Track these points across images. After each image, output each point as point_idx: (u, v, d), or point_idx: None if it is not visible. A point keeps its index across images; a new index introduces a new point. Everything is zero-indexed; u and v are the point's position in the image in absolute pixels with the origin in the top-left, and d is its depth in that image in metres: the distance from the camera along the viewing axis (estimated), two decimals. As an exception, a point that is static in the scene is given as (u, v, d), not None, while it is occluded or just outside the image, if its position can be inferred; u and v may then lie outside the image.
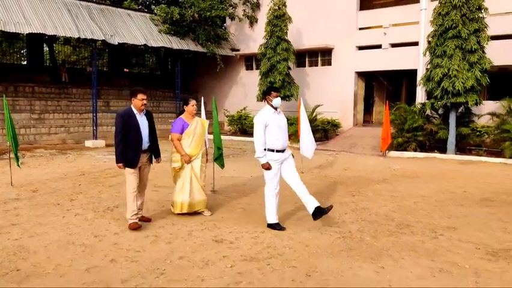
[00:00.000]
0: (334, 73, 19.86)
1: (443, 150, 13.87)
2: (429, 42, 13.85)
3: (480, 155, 13.28)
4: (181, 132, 6.25)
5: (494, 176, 10.34)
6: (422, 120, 14.46)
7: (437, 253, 4.96)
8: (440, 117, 14.51)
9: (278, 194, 5.86)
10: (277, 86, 17.68)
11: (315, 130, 16.98)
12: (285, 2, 18.13)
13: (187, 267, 4.51)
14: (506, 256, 4.90)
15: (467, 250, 5.08)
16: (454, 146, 13.63)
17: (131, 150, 5.66)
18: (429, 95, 13.98)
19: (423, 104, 14.35)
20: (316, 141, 16.62)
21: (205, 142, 6.67)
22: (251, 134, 19.65)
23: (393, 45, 18.25)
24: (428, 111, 14.50)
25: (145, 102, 5.74)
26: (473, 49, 12.65)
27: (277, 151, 5.78)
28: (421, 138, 14.36)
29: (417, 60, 16.41)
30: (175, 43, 19.41)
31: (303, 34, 20.09)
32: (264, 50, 18.42)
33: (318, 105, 17.88)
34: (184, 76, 20.92)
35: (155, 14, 20.05)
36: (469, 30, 12.68)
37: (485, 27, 13.00)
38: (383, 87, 22.24)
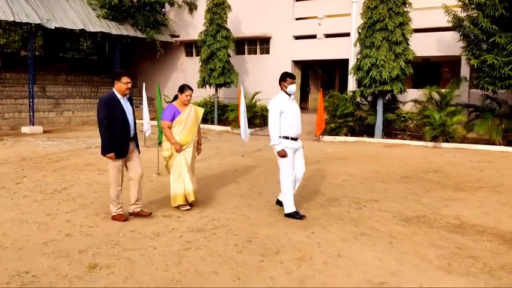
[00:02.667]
0: (272, 61, 20.55)
1: (371, 134, 15.01)
2: (359, 33, 14.84)
3: (404, 139, 14.54)
4: (172, 120, 5.97)
5: (415, 157, 11.47)
6: (352, 107, 15.51)
7: (360, 221, 5.72)
8: (369, 104, 15.62)
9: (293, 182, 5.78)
10: (218, 73, 18.14)
11: (254, 116, 17.68)
12: (224, -10, 18.49)
13: (139, 238, 4.96)
14: (417, 222, 5.75)
15: (386, 218, 5.89)
16: (381, 131, 14.79)
17: (118, 138, 5.30)
18: (359, 83, 15.02)
19: (354, 92, 15.39)
20: (255, 126, 17.50)
21: (199, 131, 6.36)
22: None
23: (328, 36, 19.21)
24: (358, 99, 15.56)
25: (129, 85, 5.36)
26: (398, 41, 13.75)
27: (292, 139, 5.68)
28: (352, 124, 15.41)
29: (349, 50, 17.43)
30: (114, 28, 19.23)
31: (242, 22, 20.58)
32: (204, 37, 18.72)
33: (257, 92, 18.51)
34: (123, 62, 20.75)
35: (93, -2, 19.73)
36: (395, 23, 13.75)
37: (409, 20, 14.14)
38: (318, 75, 23.29)
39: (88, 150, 11.62)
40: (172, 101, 6.21)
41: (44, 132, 15.73)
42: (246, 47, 21.55)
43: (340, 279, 3.97)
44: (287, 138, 5.64)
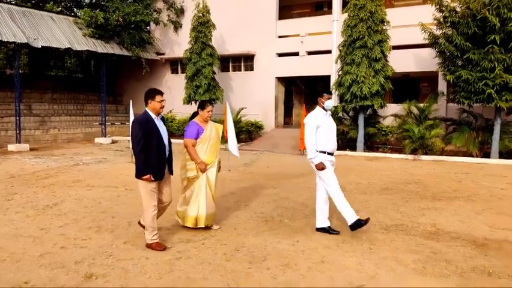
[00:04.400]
0: (256, 78, 20.98)
1: (353, 148, 15.42)
2: (340, 51, 15.35)
3: (385, 152, 14.99)
4: (196, 138, 5.73)
5: (395, 169, 11.87)
6: (335, 121, 15.90)
7: (342, 229, 6.01)
8: (351, 119, 16.07)
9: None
10: (203, 90, 18.47)
11: (240, 131, 17.99)
12: (208, 10, 18.92)
13: (132, 249, 5.19)
14: (395, 230, 6.08)
15: (366, 227, 6.18)
16: (362, 144, 15.22)
17: (155, 159, 5.06)
18: (341, 98, 15.49)
19: (336, 107, 15.83)
20: (241, 141, 17.83)
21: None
22: (178, 136, 20.40)
23: (310, 53, 19.72)
24: (340, 114, 16.01)
25: (163, 104, 5.19)
26: (378, 58, 14.28)
27: (328, 153, 5.71)
28: (335, 138, 15.77)
29: (330, 67, 17.90)
30: (100, 47, 19.47)
31: (226, 40, 21.02)
32: (189, 54, 19.07)
33: (242, 108, 18.88)
34: (109, 79, 20.99)
35: (79, 18, 19.98)
36: (374, 41, 14.30)
37: (388, 38, 14.71)
38: (301, 91, 23.76)
39: (76, 167, 11.77)
40: (191, 118, 5.96)
41: (31, 149, 15.79)
42: (230, 64, 21.96)
43: (323, 283, 4.25)
44: (324, 152, 5.66)
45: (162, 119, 5.32)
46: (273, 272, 4.51)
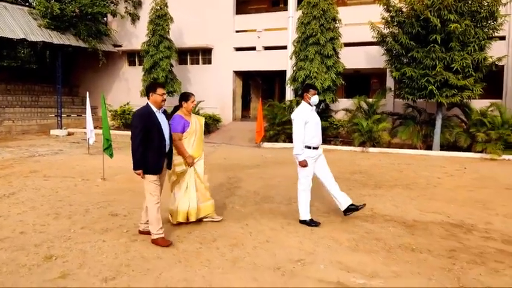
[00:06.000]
0: (214, 71, 21.30)
1: (307, 141, 16.01)
2: (294, 46, 15.91)
3: (336, 145, 15.72)
4: (183, 131, 5.62)
5: (344, 160, 12.56)
6: (290, 115, 16.48)
7: (289, 214, 6.54)
8: (305, 113, 16.65)
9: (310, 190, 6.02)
10: (161, 82, 18.61)
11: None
12: (166, 3, 19.06)
13: (90, 233, 5.50)
14: (335, 214, 6.59)
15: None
16: (316, 137, 15.85)
17: (154, 153, 5.03)
18: (295, 93, 16.08)
19: (291, 101, 16.42)
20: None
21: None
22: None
23: (266, 48, 20.23)
24: (295, 107, 16.55)
25: (165, 97, 5.16)
26: (330, 54, 14.94)
27: (314, 148, 5.90)
28: (290, 131, 16.31)
29: (286, 62, 18.47)
30: (56, 38, 19.21)
31: (184, 33, 21.19)
32: (147, 47, 19.15)
33: (200, 101, 19.13)
34: (65, 70, 20.73)
35: (34, 8, 19.61)
36: (326, 38, 14.94)
37: (339, 35, 15.39)
38: (259, 85, 24.29)
39: (32, 158, 11.79)
40: (173, 112, 5.79)
41: (-16, 141, 15.56)
42: (188, 57, 22.16)
43: (266, 259, 4.73)
44: (309, 147, 5.85)
45: (164, 112, 5.25)
46: (222, 251, 4.95)
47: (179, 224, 5.79)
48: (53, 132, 18.74)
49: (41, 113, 20.18)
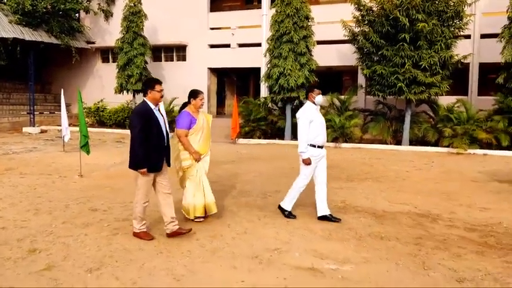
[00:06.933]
0: (189, 68, 21.39)
1: (282, 137, 16.37)
2: (268, 44, 16.17)
3: (310, 140, 16.03)
4: (189, 128, 5.71)
5: (317, 155, 12.88)
6: (264, 112, 16.82)
7: (265, 207, 6.79)
8: (280, 110, 17.00)
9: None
10: (135, 79, 18.62)
11: (172, 121, 18.32)
12: (140, 0, 19.04)
13: (71, 228, 5.62)
14: (310, 206, 6.88)
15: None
16: (290, 133, 16.20)
17: (154, 151, 5.02)
18: (270, 90, 16.37)
19: (265, 98, 16.70)
20: (172, 131, 18.10)
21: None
22: (109, 126, 20.57)
23: (241, 45, 20.46)
24: (269, 104, 16.90)
25: (163, 93, 5.17)
26: (303, 52, 15.27)
27: (318, 147, 5.98)
28: (264, 127, 16.71)
29: (260, 59, 18.75)
30: (28, 34, 18.95)
31: (158, 30, 21.19)
32: (120, 44, 19.11)
33: (175, 98, 19.19)
34: (37, 67, 20.45)
35: (5, 4, 19.28)
36: (299, 36, 15.26)
37: (312, 33, 15.73)
38: (233, 82, 24.47)
39: (6, 156, 11.71)
40: (182, 108, 5.93)
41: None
42: (163, 54, 22.18)
43: (244, 249, 4.97)
44: (314, 146, 5.92)
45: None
46: (202, 242, 5.16)
47: (197, 218, 5.86)
48: (26, 129, 18.51)
49: (13, 111, 19.90)
